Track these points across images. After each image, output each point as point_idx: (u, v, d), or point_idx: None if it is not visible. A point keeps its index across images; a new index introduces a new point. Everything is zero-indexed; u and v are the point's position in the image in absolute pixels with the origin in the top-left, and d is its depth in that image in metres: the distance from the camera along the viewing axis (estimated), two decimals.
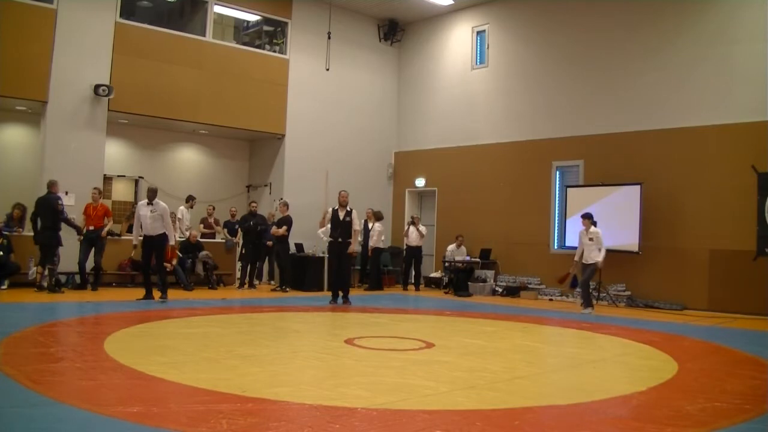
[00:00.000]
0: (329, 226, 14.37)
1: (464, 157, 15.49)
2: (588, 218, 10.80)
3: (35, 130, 12.87)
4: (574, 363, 6.50)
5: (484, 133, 15.20)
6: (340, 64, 15.41)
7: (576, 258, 10.95)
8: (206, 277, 12.92)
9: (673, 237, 11.96)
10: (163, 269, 10.40)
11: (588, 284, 10.87)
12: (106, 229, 11.51)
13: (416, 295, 13.71)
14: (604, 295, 12.21)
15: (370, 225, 14.30)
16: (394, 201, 17.02)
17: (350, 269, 11.51)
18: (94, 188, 11.66)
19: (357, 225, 11.12)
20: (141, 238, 10.33)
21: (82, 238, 11.33)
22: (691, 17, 12.09)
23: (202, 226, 13.84)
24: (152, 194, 10.28)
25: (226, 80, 14.19)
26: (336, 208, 10.95)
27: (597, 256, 10.58)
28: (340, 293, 10.95)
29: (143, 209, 10.16)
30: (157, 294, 10.28)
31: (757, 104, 10.99)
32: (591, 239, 10.67)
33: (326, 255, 13.80)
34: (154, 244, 10.09)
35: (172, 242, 10.37)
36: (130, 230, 13.11)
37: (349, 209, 10.89)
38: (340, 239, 10.76)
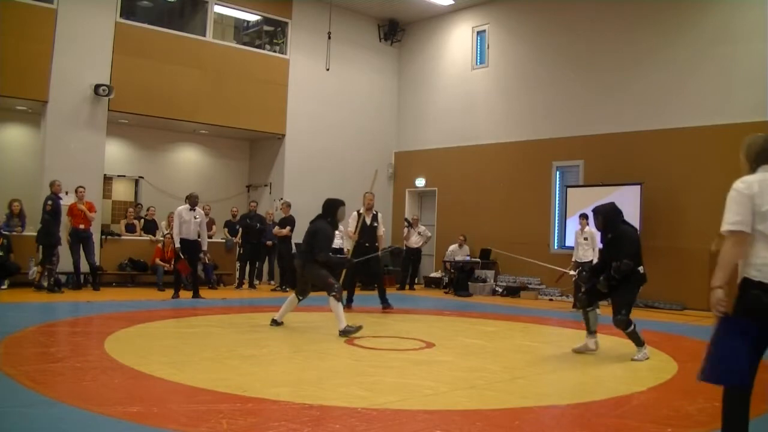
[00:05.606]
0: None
1: (464, 157, 15.49)
2: (585, 218, 10.93)
3: (35, 130, 12.86)
4: (574, 363, 6.49)
5: (484, 133, 15.19)
6: (340, 64, 15.39)
7: (574, 258, 11.11)
8: (206, 277, 12.91)
9: (673, 237, 11.95)
10: (196, 270, 11.02)
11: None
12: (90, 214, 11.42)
13: (416, 295, 13.70)
14: None
15: None
16: (394, 201, 17.01)
17: (381, 272, 10.76)
18: (79, 187, 11.39)
19: (381, 230, 10.51)
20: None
21: (68, 238, 11.23)
22: (691, 17, 12.08)
23: None
24: (195, 200, 10.76)
25: (226, 80, 14.18)
26: (361, 211, 10.31)
27: (591, 255, 10.72)
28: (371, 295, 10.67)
29: (186, 214, 10.61)
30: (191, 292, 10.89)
31: (757, 104, 10.97)
32: (585, 239, 10.93)
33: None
34: (193, 247, 10.62)
35: (204, 247, 10.92)
36: (129, 230, 13.12)
37: (375, 213, 10.35)
38: (367, 244, 10.14)
